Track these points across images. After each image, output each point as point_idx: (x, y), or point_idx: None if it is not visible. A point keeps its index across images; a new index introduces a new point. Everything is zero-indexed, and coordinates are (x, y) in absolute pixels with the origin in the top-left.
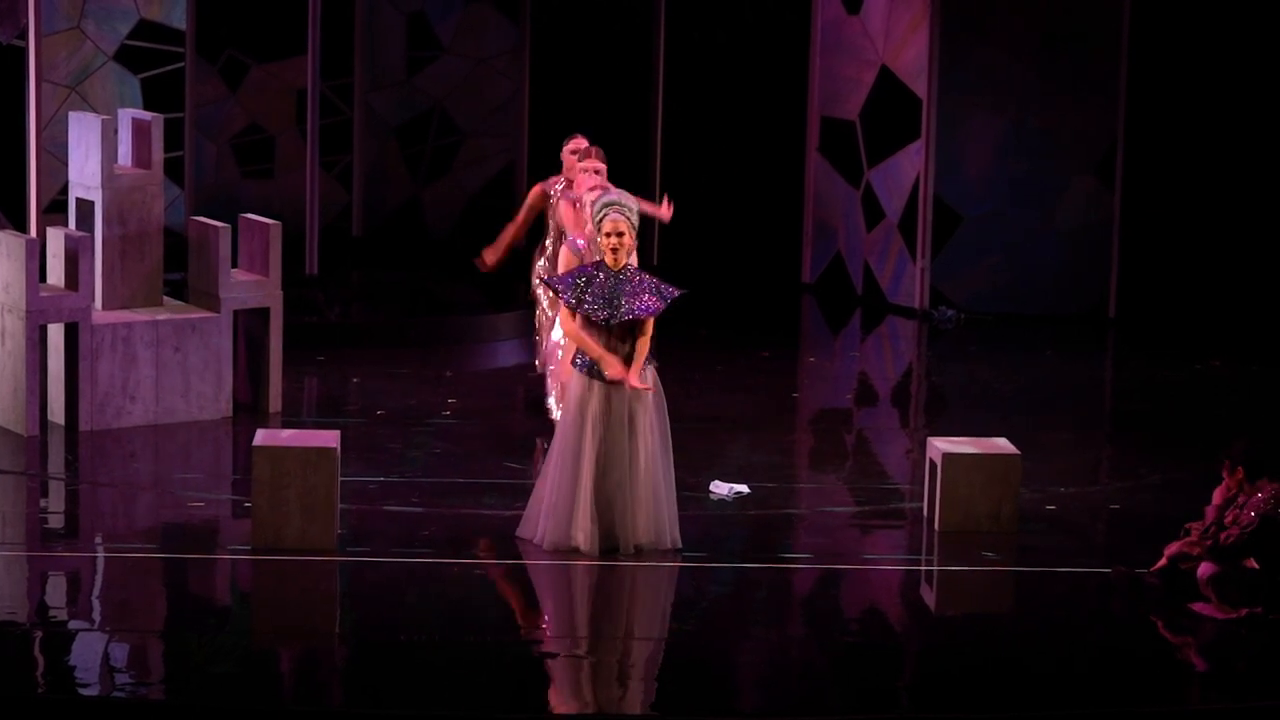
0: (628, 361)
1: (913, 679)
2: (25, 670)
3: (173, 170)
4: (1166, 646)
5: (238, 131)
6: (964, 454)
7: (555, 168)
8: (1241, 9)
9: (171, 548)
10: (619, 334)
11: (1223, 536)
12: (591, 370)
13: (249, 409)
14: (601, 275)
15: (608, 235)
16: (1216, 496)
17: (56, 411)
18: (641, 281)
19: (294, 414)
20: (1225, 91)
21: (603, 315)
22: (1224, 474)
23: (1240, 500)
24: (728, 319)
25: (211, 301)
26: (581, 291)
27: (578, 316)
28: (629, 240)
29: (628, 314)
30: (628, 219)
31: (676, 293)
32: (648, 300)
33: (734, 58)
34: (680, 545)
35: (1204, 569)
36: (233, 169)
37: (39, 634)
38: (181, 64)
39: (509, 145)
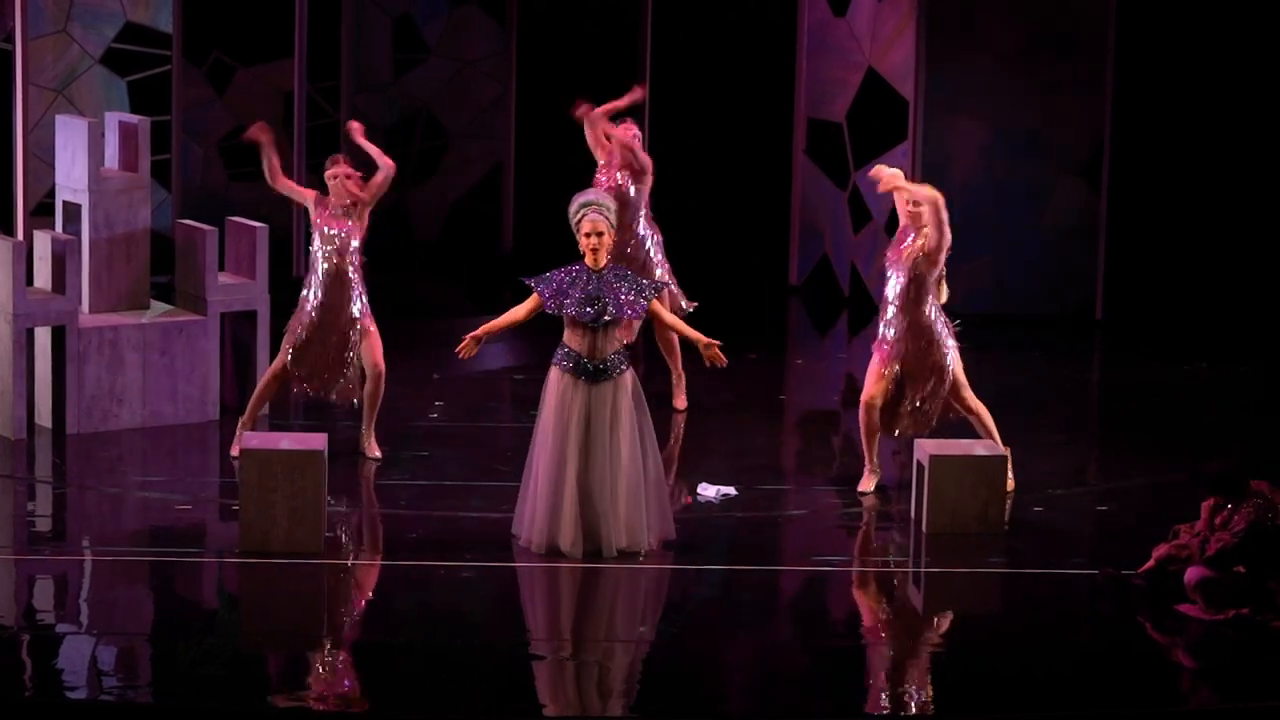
0: (609, 360)
1: (900, 681)
2: (13, 673)
3: (160, 173)
4: (1154, 648)
5: (225, 134)
6: (951, 456)
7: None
8: (1229, 12)
9: (159, 551)
10: (604, 333)
11: (1214, 543)
12: (574, 369)
13: (236, 412)
14: (584, 277)
15: (587, 235)
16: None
17: (44, 415)
18: (623, 280)
19: (281, 417)
20: (1212, 94)
21: (588, 316)
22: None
23: (1229, 508)
24: (715, 321)
25: (198, 304)
26: (564, 292)
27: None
28: (609, 239)
29: (612, 314)
30: (607, 219)
31: (658, 287)
32: (630, 301)
33: (720, 59)
34: (673, 538)
35: (1191, 573)
36: (220, 172)
37: (26, 637)
38: (168, 67)
39: (496, 148)
